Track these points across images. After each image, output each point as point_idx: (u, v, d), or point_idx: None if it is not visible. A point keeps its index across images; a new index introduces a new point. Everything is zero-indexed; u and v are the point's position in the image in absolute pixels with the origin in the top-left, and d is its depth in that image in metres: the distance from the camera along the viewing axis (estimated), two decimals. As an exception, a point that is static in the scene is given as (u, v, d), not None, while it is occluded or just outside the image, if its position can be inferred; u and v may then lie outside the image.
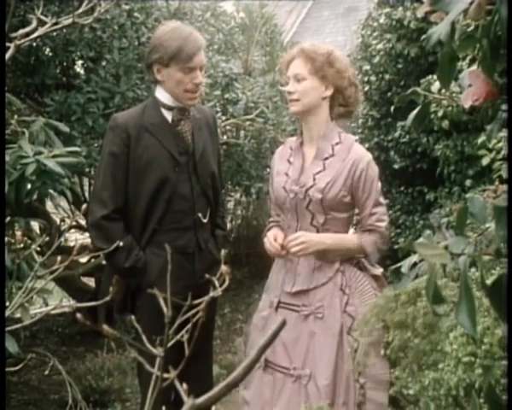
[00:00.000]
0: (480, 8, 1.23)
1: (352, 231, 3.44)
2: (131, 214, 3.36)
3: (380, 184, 3.33)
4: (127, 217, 3.36)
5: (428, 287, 1.28)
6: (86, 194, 6.48)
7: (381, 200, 3.32)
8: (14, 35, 2.69)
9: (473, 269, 1.54)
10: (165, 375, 1.02)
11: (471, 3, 1.24)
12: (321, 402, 2.99)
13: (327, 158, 3.27)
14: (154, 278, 3.31)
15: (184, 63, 3.31)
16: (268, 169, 6.79)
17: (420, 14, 1.55)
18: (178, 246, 3.30)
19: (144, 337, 1.06)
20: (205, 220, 3.48)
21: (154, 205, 3.34)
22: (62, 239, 6.29)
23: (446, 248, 1.30)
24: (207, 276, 1.17)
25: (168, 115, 3.41)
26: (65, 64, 5.26)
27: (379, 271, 3.37)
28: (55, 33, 4.38)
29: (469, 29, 1.53)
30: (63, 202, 6.19)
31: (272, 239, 3.30)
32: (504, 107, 1.51)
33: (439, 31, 1.38)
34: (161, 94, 3.41)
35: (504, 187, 3.60)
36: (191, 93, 3.38)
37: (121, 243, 3.13)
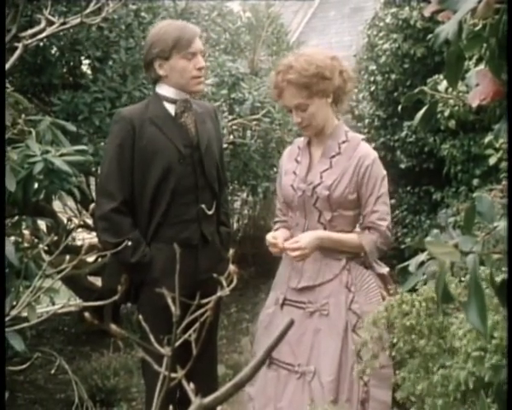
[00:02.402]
0: (488, 6, 1.23)
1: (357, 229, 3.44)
2: (137, 208, 3.39)
3: (386, 183, 3.32)
4: (133, 211, 3.39)
5: (438, 286, 1.28)
6: (93, 193, 6.48)
7: (386, 199, 3.31)
8: (22, 35, 2.70)
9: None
10: (173, 374, 1.02)
11: (479, 2, 1.24)
12: (325, 399, 2.99)
13: (334, 156, 3.29)
14: (159, 273, 3.33)
15: (185, 49, 3.37)
16: (275, 169, 6.79)
17: (427, 13, 1.54)
18: (183, 239, 3.31)
19: (152, 336, 1.06)
20: (210, 212, 3.49)
21: (159, 197, 3.37)
22: (70, 238, 6.32)
23: (456, 246, 1.30)
24: (215, 275, 1.17)
25: (171, 109, 3.45)
26: (72, 64, 5.27)
27: (385, 270, 3.37)
28: (62, 33, 4.39)
29: (477, 28, 1.53)
30: (70, 202, 6.21)
31: (271, 240, 3.31)
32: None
33: (446, 30, 1.37)
34: (163, 89, 3.45)
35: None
36: (197, 78, 3.44)
37: (129, 243, 3.15)
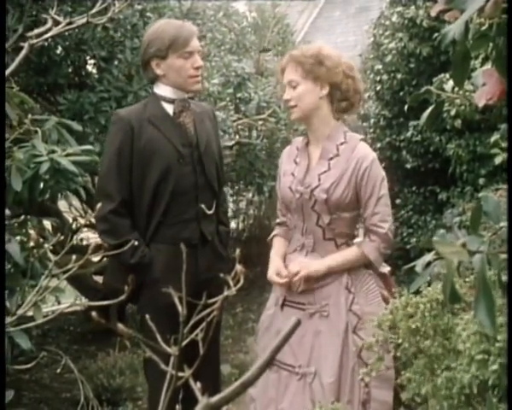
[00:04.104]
0: (496, 5, 1.23)
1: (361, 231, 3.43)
2: (136, 209, 3.38)
3: (386, 184, 3.30)
4: (132, 212, 3.38)
5: (445, 286, 1.27)
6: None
7: (387, 201, 3.28)
8: (28, 34, 2.70)
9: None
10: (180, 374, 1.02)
11: (487, 1, 1.24)
12: (325, 400, 2.99)
13: (332, 158, 3.27)
14: (159, 274, 3.33)
15: (183, 48, 3.36)
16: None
17: (434, 12, 1.54)
18: (182, 238, 3.30)
19: (158, 336, 1.06)
20: (210, 212, 3.49)
21: (159, 197, 3.36)
22: (77, 238, 6.32)
23: (464, 246, 1.30)
24: (222, 275, 1.17)
25: (169, 108, 3.45)
26: (77, 63, 5.26)
27: (386, 269, 3.36)
28: (67, 33, 4.39)
29: (483, 28, 1.53)
30: (75, 201, 6.21)
31: (275, 276, 3.34)
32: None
33: (454, 30, 1.37)
34: (161, 89, 3.45)
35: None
36: (194, 78, 3.43)
37: (136, 243, 3.14)
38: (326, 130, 3.30)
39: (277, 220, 3.60)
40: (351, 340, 3.16)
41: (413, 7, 6.58)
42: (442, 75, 5.40)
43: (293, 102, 3.29)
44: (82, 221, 6.17)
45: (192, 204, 3.45)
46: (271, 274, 3.37)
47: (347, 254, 3.27)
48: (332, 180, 3.22)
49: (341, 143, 3.28)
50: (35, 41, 2.76)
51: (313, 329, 3.23)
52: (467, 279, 2.50)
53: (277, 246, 3.51)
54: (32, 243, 3.13)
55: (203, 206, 3.46)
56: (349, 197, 3.21)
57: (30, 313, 2.38)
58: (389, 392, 3.08)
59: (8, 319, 1.96)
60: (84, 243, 7.08)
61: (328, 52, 3.28)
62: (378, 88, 7.03)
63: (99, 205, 2.25)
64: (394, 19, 6.79)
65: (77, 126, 3.70)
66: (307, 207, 3.26)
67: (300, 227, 3.32)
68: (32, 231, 3.42)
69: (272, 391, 3.30)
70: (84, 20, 2.80)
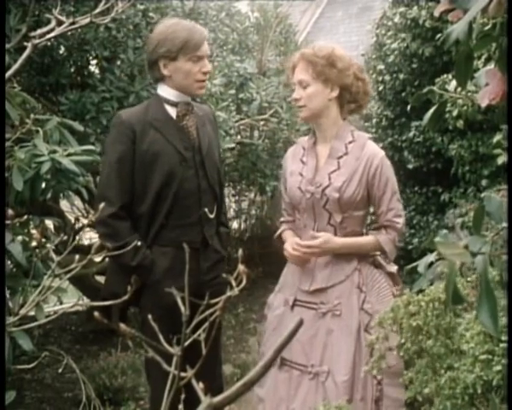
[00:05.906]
0: (500, 5, 1.23)
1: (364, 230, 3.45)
2: (138, 212, 3.35)
3: (395, 180, 3.34)
4: (133, 215, 3.35)
5: (448, 287, 1.27)
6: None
7: (399, 196, 3.33)
8: (32, 34, 2.70)
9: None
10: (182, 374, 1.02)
11: (490, 1, 1.24)
12: (339, 399, 2.99)
13: (341, 157, 3.28)
14: (160, 276, 3.32)
15: (193, 52, 3.33)
16: (283, 168, 6.81)
17: (437, 12, 1.54)
18: (185, 242, 3.28)
19: (161, 337, 1.06)
20: (212, 216, 3.48)
21: (161, 201, 3.34)
22: (79, 238, 6.32)
23: (466, 247, 1.30)
24: (224, 275, 1.17)
25: (172, 111, 3.42)
26: (79, 63, 5.27)
27: (394, 268, 3.38)
28: (70, 33, 4.39)
29: (486, 28, 1.53)
30: (77, 201, 6.21)
31: (293, 246, 3.31)
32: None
33: (457, 30, 1.37)
34: (165, 90, 3.42)
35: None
36: (201, 82, 3.41)
37: (139, 243, 3.13)
38: (334, 129, 3.32)
39: (282, 219, 3.60)
40: (363, 338, 3.17)
41: (415, 7, 6.58)
42: (445, 75, 5.41)
43: (302, 103, 3.29)
44: (84, 221, 6.17)
45: (195, 208, 3.43)
46: (288, 247, 3.35)
47: (362, 240, 3.31)
48: (343, 179, 3.23)
49: (350, 142, 3.30)
50: (38, 41, 2.75)
51: (325, 328, 3.25)
52: (469, 279, 2.50)
53: (290, 234, 3.49)
54: (34, 243, 3.13)
55: (206, 210, 3.45)
56: (360, 195, 3.23)
57: (32, 313, 2.39)
58: (401, 389, 3.07)
59: (11, 319, 1.96)
60: (87, 243, 7.08)
61: (340, 54, 3.28)
62: (380, 88, 7.03)
63: (101, 205, 2.23)
64: (397, 19, 6.79)
65: (78, 126, 3.69)
66: (318, 207, 3.27)
67: (311, 227, 3.32)
68: (34, 231, 3.41)
69: (282, 391, 3.31)
70: (87, 20, 2.80)
